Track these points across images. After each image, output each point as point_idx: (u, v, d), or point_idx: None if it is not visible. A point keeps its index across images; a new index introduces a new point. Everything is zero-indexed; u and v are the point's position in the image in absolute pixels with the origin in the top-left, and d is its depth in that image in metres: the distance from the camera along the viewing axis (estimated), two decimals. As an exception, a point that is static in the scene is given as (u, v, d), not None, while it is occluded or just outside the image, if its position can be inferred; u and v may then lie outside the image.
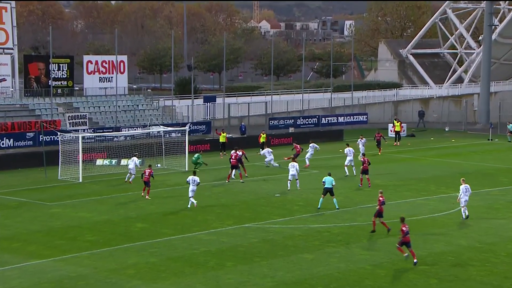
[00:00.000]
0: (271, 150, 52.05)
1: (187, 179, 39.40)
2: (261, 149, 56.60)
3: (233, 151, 47.97)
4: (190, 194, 39.09)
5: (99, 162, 53.29)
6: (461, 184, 37.10)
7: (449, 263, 29.69)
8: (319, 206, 38.81)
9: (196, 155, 50.40)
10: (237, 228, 35.00)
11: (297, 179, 43.70)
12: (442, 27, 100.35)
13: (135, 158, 46.70)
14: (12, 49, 65.13)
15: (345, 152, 48.82)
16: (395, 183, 47.08)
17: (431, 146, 66.58)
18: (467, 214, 36.82)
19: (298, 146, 53.17)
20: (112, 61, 67.82)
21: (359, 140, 55.61)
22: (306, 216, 37.53)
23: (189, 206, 39.08)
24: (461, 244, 32.47)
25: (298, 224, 35.65)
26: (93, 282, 27.05)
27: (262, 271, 28.30)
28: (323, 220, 36.70)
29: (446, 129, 79.25)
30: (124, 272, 28.10)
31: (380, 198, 33.64)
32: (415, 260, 29.20)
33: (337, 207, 38.68)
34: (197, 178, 39.26)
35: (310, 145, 53.30)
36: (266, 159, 51.75)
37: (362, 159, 45.20)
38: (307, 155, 52.45)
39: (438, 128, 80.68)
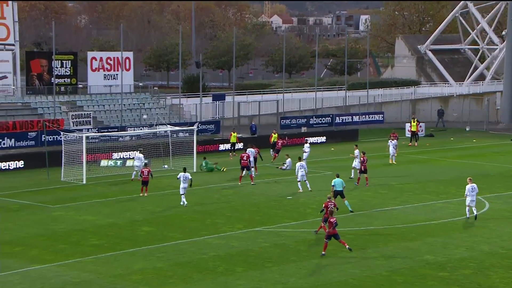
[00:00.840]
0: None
1: (178, 176, 39.64)
2: (271, 150, 55.72)
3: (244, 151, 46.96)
4: (182, 191, 39.29)
5: (103, 163, 52.85)
6: (468, 184, 36.79)
7: (470, 269, 29.09)
8: (331, 209, 37.91)
9: (203, 163, 50.43)
10: (247, 232, 34.62)
11: (305, 180, 43.01)
12: (463, 21, 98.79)
13: (141, 155, 46.56)
14: (13, 45, 64.70)
15: (355, 154, 47.68)
16: (413, 185, 46.49)
17: (451, 147, 65.93)
18: (474, 214, 36.53)
19: (280, 142, 53.54)
20: (118, 57, 67.68)
21: (389, 141, 55.02)
22: (319, 219, 36.66)
23: (184, 204, 39.16)
24: (483, 250, 31.89)
25: (311, 228, 35.11)
26: (97, 288, 26.67)
27: (274, 277, 27.83)
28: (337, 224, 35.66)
29: (467, 129, 78.40)
30: (130, 278, 27.65)
31: (329, 204, 33.06)
32: (347, 246, 29.93)
33: (350, 209, 38.20)
34: (188, 175, 39.47)
35: (306, 145, 53.11)
36: (287, 167, 50.88)
37: (362, 158, 45.05)
38: (304, 156, 50.88)
39: (458, 127, 79.91)
